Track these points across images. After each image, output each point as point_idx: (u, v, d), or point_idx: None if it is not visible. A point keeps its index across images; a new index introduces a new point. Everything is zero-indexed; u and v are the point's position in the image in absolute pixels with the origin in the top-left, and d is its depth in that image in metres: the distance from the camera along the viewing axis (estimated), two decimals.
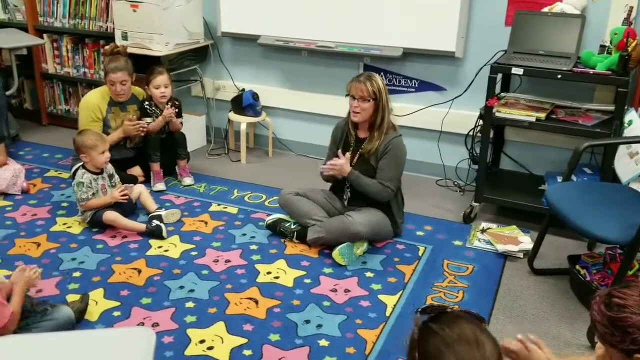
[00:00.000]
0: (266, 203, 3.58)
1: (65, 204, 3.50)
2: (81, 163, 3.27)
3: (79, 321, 2.40)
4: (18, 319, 2.14)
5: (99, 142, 3.19)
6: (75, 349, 1.41)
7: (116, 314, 2.51)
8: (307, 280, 2.78)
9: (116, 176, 3.36)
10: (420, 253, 3.05)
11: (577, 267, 2.73)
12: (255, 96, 4.19)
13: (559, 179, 3.26)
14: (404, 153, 3.06)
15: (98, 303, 2.58)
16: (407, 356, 1.27)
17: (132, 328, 2.33)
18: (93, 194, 3.20)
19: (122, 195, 3.23)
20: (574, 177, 3.11)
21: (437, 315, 1.24)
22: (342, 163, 2.97)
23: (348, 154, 3.02)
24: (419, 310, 1.24)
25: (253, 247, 3.07)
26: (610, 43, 3.07)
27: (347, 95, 3.02)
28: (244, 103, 4.17)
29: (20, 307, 2.17)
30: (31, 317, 2.24)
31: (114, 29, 4.14)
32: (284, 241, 3.13)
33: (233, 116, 4.27)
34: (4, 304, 2.07)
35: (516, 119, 3.13)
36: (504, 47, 3.32)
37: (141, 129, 3.64)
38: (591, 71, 2.99)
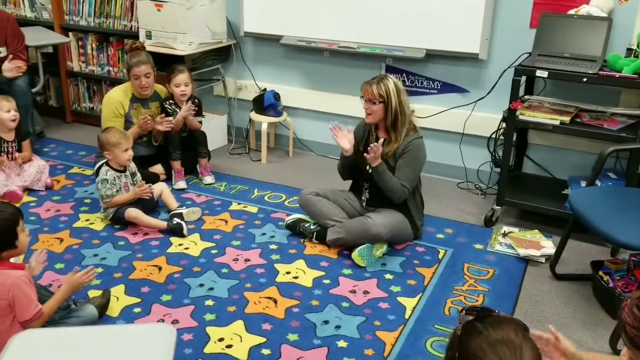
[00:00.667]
0: (286, 203, 3.58)
1: (88, 201, 3.55)
2: (104, 160, 3.31)
3: (100, 316, 2.43)
4: (45, 320, 2.14)
5: (123, 140, 3.22)
6: (98, 344, 1.43)
7: (137, 310, 2.54)
8: (326, 281, 2.78)
9: (138, 174, 3.39)
10: (440, 256, 3.03)
11: (600, 273, 2.69)
12: (276, 96, 4.20)
13: (583, 184, 3.21)
14: (424, 155, 3.04)
15: (119, 299, 2.60)
16: (447, 352, 1.28)
17: (154, 324, 2.36)
18: (117, 191, 3.24)
19: (143, 192, 3.25)
20: (598, 182, 3.07)
21: (483, 316, 1.25)
22: (380, 152, 2.91)
23: (380, 142, 2.95)
24: (465, 309, 1.25)
25: (272, 246, 3.08)
26: (638, 46, 3.03)
27: (360, 97, 3.02)
28: (266, 103, 4.18)
29: (53, 310, 2.18)
30: (56, 313, 2.26)
31: (138, 28, 4.19)
32: (304, 241, 3.13)
33: (254, 116, 4.29)
34: (32, 301, 2.09)
35: (540, 122, 3.09)
36: (529, 49, 3.29)
37: (164, 124, 3.66)
38: (617, 75, 2.94)
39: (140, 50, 3.70)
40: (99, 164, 3.57)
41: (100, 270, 2.81)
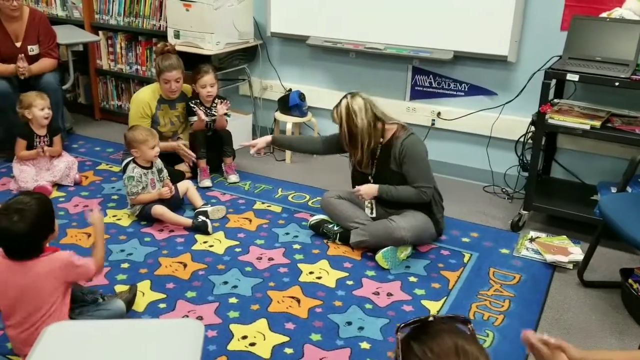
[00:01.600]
0: (310, 203, 3.58)
1: (115, 197, 3.59)
2: (132, 157, 3.34)
3: (127, 311, 2.45)
4: (101, 267, 2.29)
5: (150, 137, 3.26)
6: (128, 336, 1.45)
7: (162, 305, 2.56)
8: (350, 282, 2.77)
9: (165, 171, 3.42)
10: (465, 260, 3.00)
11: (630, 281, 2.64)
12: (301, 96, 4.21)
13: (613, 190, 3.16)
14: (422, 149, 2.98)
15: (145, 294, 2.63)
16: None
17: (182, 320, 2.38)
18: (143, 188, 3.27)
19: (166, 193, 3.30)
20: (629, 188, 3.01)
21: (418, 331, 1.18)
22: (364, 189, 2.99)
23: (361, 187, 3.01)
24: (400, 327, 1.18)
25: (296, 246, 3.08)
26: None
27: None
28: (291, 103, 4.19)
29: (102, 256, 2.31)
30: (85, 306, 2.31)
31: (166, 27, 4.23)
32: (327, 242, 3.13)
33: (279, 116, 4.30)
34: (84, 266, 2.18)
35: (570, 126, 3.04)
36: (559, 52, 3.24)
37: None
38: None
39: (171, 53, 3.70)
40: (127, 161, 3.61)
41: (126, 265, 2.84)
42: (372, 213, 3.10)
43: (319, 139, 3.45)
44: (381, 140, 2.99)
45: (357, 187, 3.03)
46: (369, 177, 3.07)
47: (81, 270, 2.18)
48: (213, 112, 3.81)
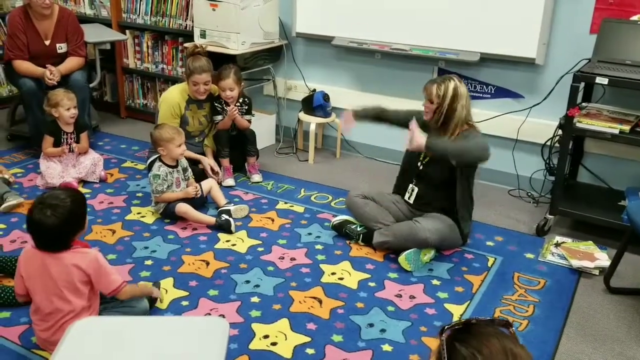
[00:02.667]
0: (332, 204, 3.58)
1: (140, 194, 3.62)
2: (157, 155, 3.37)
3: (150, 308, 2.47)
4: (127, 296, 2.28)
5: (176, 135, 3.28)
6: (155, 333, 1.45)
7: (184, 303, 2.57)
8: (372, 284, 2.76)
9: (189, 170, 3.44)
10: (489, 264, 2.97)
11: None
12: (326, 97, 4.20)
13: None
14: (479, 134, 2.95)
15: (168, 292, 2.65)
16: None
17: (208, 317, 2.40)
18: (168, 186, 3.30)
19: (191, 193, 3.33)
20: None
21: (462, 332, 1.17)
22: (412, 134, 2.87)
23: (414, 122, 2.92)
24: (444, 328, 1.18)
25: (318, 246, 3.08)
26: None
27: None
28: (315, 104, 4.19)
29: (130, 295, 2.30)
30: (108, 302, 2.33)
31: (192, 27, 4.26)
32: (349, 243, 3.12)
33: (303, 116, 4.30)
34: (112, 272, 2.21)
35: (598, 130, 3.00)
36: (588, 55, 3.19)
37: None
38: None
39: (201, 55, 3.69)
40: (152, 158, 3.65)
41: (149, 262, 2.87)
42: (410, 198, 3.09)
43: (402, 111, 3.26)
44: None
45: (412, 130, 2.90)
46: (419, 163, 3.05)
47: (107, 272, 2.19)
48: (241, 110, 3.83)
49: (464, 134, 2.90)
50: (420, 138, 2.88)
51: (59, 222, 2.07)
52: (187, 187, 3.37)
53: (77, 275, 2.13)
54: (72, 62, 4.12)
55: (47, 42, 4.05)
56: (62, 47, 4.11)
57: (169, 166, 3.31)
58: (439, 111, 2.90)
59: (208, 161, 3.76)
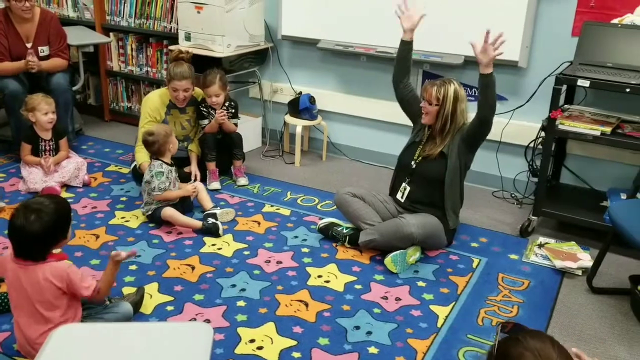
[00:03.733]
0: (318, 206, 3.58)
1: (124, 199, 3.60)
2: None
3: (134, 313, 2.45)
4: (105, 294, 2.24)
5: (158, 131, 3.30)
6: (137, 340, 1.45)
7: (169, 308, 2.56)
8: (358, 286, 2.77)
9: (176, 173, 3.43)
10: (474, 265, 2.99)
11: (639, 287, 2.63)
12: (311, 100, 4.21)
13: (623, 196, 3.14)
14: None
15: (152, 297, 2.63)
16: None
17: (191, 322, 2.38)
18: (169, 184, 3.30)
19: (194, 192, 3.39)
20: (639, 195, 3.00)
21: (518, 329, 1.29)
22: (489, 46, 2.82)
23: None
24: (502, 324, 1.31)
25: (304, 249, 3.08)
26: None
27: (421, 96, 3.07)
28: (301, 106, 4.20)
29: (108, 285, 2.24)
30: (91, 308, 2.31)
31: (177, 29, 4.24)
32: (336, 245, 3.12)
33: (289, 119, 4.31)
34: (86, 277, 2.17)
35: (580, 132, 3.03)
36: (570, 58, 3.23)
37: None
38: None
39: (184, 61, 3.65)
40: (135, 162, 3.62)
41: (134, 267, 2.86)
42: (402, 197, 3.10)
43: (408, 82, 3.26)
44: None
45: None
46: (412, 162, 3.09)
47: (80, 279, 2.13)
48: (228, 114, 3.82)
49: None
50: (491, 66, 2.82)
51: (42, 228, 2.03)
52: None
53: (49, 291, 2.08)
54: (56, 62, 4.08)
55: (29, 45, 4.02)
56: (44, 50, 4.07)
57: (168, 164, 3.31)
58: (442, 114, 2.95)
59: (192, 169, 3.77)
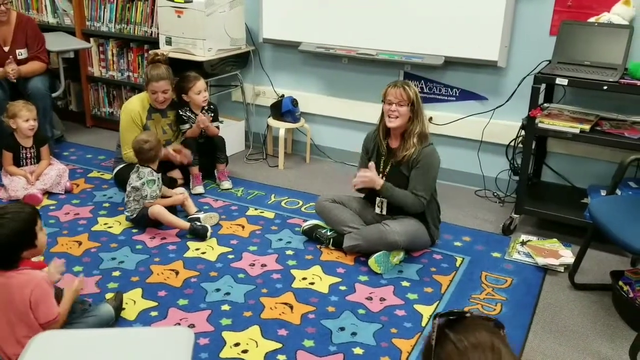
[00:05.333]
0: (303, 209, 3.59)
1: (106, 205, 3.58)
2: (123, 164, 3.34)
3: (115, 319, 2.44)
4: (61, 323, 2.18)
5: (152, 138, 3.30)
6: (117, 346, 1.44)
7: (153, 313, 2.55)
8: (343, 287, 2.78)
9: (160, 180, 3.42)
10: (457, 264, 3.01)
11: (620, 283, 2.66)
12: (294, 102, 4.21)
13: (603, 193, 3.18)
14: (437, 161, 3.01)
15: (136, 302, 2.62)
16: None
17: (172, 327, 2.37)
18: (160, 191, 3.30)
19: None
20: (618, 191, 3.03)
21: (455, 322, 1.21)
22: (371, 175, 2.94)
23: (372, 165, 2.99)
24: (438, 315, 1.22)
25: (289, 252, 3.08)
26: None
27: (382, 101, 3.00)
28: (283, 109, 4.20)
29: (67, 313, 2.21)
30: (72, 314, 2.29)
31: (158, 34, 4.23)
32: (320, 247, 3.13)
33: (272, 122, 4.31)
34: (53, 303, 2.12)
35: (559, 130, 3.07)
36: (548, 57, 3.27)
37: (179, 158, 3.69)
38: (639, 83, 2.91)
39: (161, 63, 3.65)
40: (118, 168, 3.61)
41: (117, 273, 2.84)
42: (381, 212, 3.10)
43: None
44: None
45: (364, 171, 2.96)
46: (381, 175, 3.05)
47: (47, 301, 2.08)
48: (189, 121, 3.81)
49: (424, 159, 2.94)
50: (375, 181, 2.93)
51: (4, 236, 2.02)
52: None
53: (23, 299, 2.05)
54: (34, 66, 4.07)
55: (6, 49, 3.99)
56: (22, 53, 4.05)
57: (156, 172, 3.30)
58: (416, 112, 2.94)
59: (170, 149, 3.74)
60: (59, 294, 2.25)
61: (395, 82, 3.01)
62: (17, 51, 4.02)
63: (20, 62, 4.02)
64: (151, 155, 3.26)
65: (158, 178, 3.29)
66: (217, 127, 3.88)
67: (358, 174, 3.00)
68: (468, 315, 1.22)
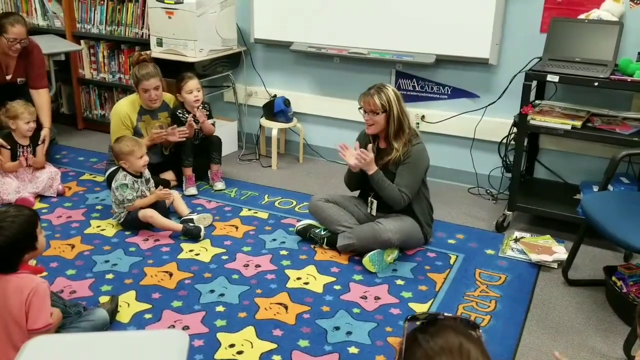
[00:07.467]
0: (296, 209, 3.58)
1: (99, 207, 3.56)
2: (115, 167, 3.32)
3: (110, 322, 2.43)
4: (52, 331, 2.15)
5: (136, 148, 3.24)
6: (111, 350, 1.43)
7: (147, 316, 2.54)
8: (337, 287, 2.78)
9: (152, 181, 3.40)
10: (451, 261, 3.01)
11: (614, 278, 2.67)
12: (286, 102, 4.21)
13: (595, 189, 3.19)
14: (425, 160, 3.01)
15: (130, 305, 2.61)
16: None
17: (166, 330, 2.36)
18: (137, 195, 3.26)
19: (165, 195, 3.31)
20: (610, 187, 3.05)
21: (426, 325, 1.19)
22: (372, 158, 2.92)
23: (371, 147, 2.97)
24: (409, 318, 1.21)
25: (283, 252, 3.08)
26: None
27: (359, 108, 3.00)
28: (276, 109, 4.20)
29: (58, 320, 2.20)
30: (67, 317, 2.28)
31: (149, 35, 4.21)
32: (314, 247, 3.13)
33: (264, 122, 4.30)
34: (47, 311, 2.09)
35: (551, 126, 3.08)
36: (539, 54, 3.28)
37: (177, 134, 3.66)
38: (629, 79, 2.92)
39: (148, 62, 3.66)
40: (110, 170, 3.59)
41: (110, 276, 2.83)
42: (371, 211, 3.10)
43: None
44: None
45: (364, 151, 2.92)
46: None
47: (41, 308, 2.03)
48: (197, 120, 3.78)
49: (413, 156, 2.93)
50: (373, 165, 2.92)
51: (4, 240, 1.99)
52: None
53: (19, 303, 2.02)
54: (45, 105, 3.97)
55: (9, 77, 3.95)
56: (22, 80, 4.01)
57: (133, 176, 3.27)
58: (393, 119, 2.92)
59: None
60: (56, 302, 2.24)
61: (369, 89, 2.98)
62: (18, 79, 3.98)
63: (18, 87, 3.97)
64: (119, 162, 3.25)
65: (135, 181, 3.26)
66: (213, 124, 3.86)
67: (358, 151, 2.95)
68: (441, 317, 1.21)
